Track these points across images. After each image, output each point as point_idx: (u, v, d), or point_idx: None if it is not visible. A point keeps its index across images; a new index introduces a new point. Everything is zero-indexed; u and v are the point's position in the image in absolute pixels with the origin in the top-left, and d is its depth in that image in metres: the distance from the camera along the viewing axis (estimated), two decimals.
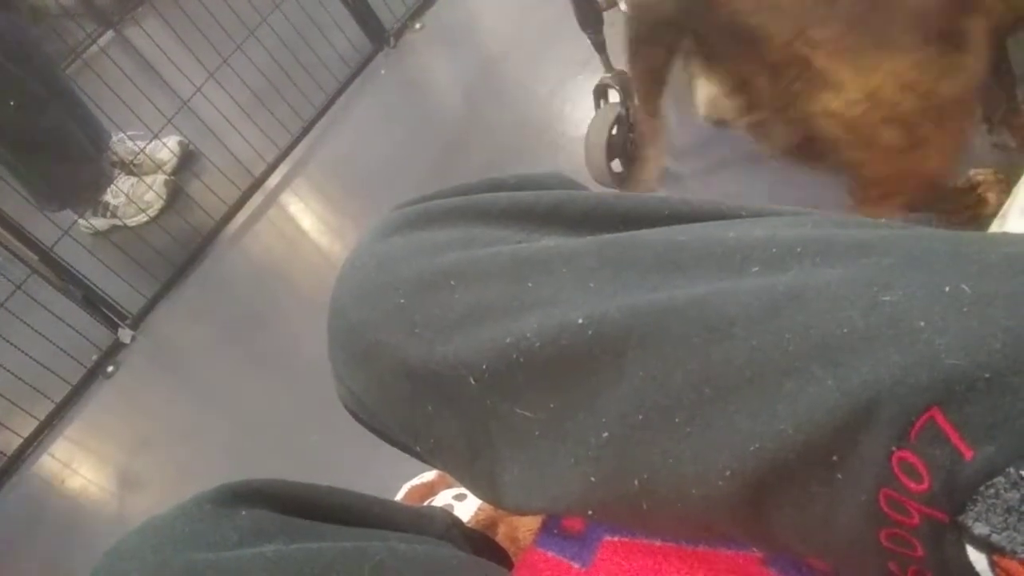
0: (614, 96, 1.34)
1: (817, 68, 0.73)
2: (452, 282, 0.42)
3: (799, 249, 0.36)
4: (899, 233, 0.36)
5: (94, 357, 1.88)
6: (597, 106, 1.38)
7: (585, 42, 1.74)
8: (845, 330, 0.31)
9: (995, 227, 0.50)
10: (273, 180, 2.07)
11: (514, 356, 0.39)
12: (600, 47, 1.33)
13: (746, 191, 1.34)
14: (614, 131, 1.35)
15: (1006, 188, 1.08)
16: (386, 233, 0.46)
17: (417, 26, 2.21)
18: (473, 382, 0.40)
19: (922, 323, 0.30)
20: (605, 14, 1.32)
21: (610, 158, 1.36)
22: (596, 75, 1.65)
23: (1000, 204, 1.07)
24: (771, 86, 0.78)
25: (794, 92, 0.77)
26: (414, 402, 0.44)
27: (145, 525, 0.40)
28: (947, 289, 0.31)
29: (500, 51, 2.00)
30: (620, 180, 1.39)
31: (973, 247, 0.33)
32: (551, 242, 0.43)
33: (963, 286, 0.30)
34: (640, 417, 0.36)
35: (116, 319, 1.90)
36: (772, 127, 0.83)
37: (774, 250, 0.37)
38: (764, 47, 0.76)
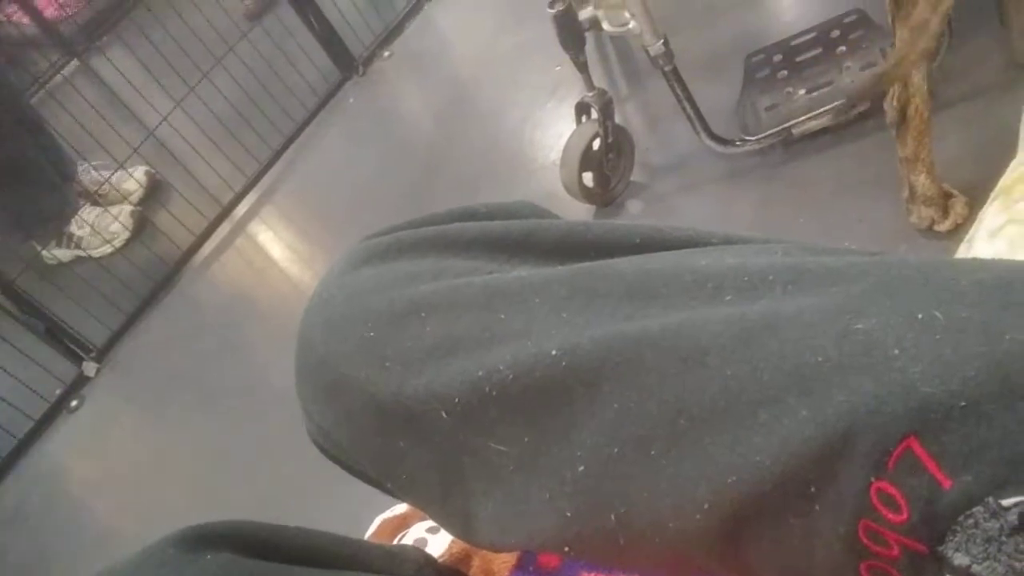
0: (595, 114, 1.37)
1: None
2: (423, 314, 0.41)
3: (771, 277, 0.36)
4: (869, 260, 0.36)
5: (58, 391, 1.84)
6: (578, 121, 1.41)
7: (554, 69, 1.76)
8: (819, 359, 0.31)
9: (962, 252, 0.51)
10: (241, 209, 2.06)
11: (486, 389, 0.38)
12: (582, 67, 1.36)
13: (725, 210, 1.35)
14: (594, 147, 1.39)
15: (970, 212, 1.10)
16: (355, 264, 0.46)
17: (386, 54, 2.22)
18: (445, 416, 0.40)
19: (896, 351, 0.30)
20: (587, 35, 1.35)
21: (582, 170, 1.39)
22: (566, 102, 1.67)
23: (958, 224, 1.09)
24: None
25: None
26: (384, 437, 0.43)
27: (109, 571, 0.39)
28: (920, 316, 0.30)
29: (470, 78, 2.01)
30: (588, 194, 1.42)
31: (944, 273, 0.33)
32: (523, 272, 0.42)
33: (936, 313, 0.30)
34: (615, 450, 0.35)
35: (80, 352, 1.86)
36: None
37: (746, 278, 0.36)
38: None
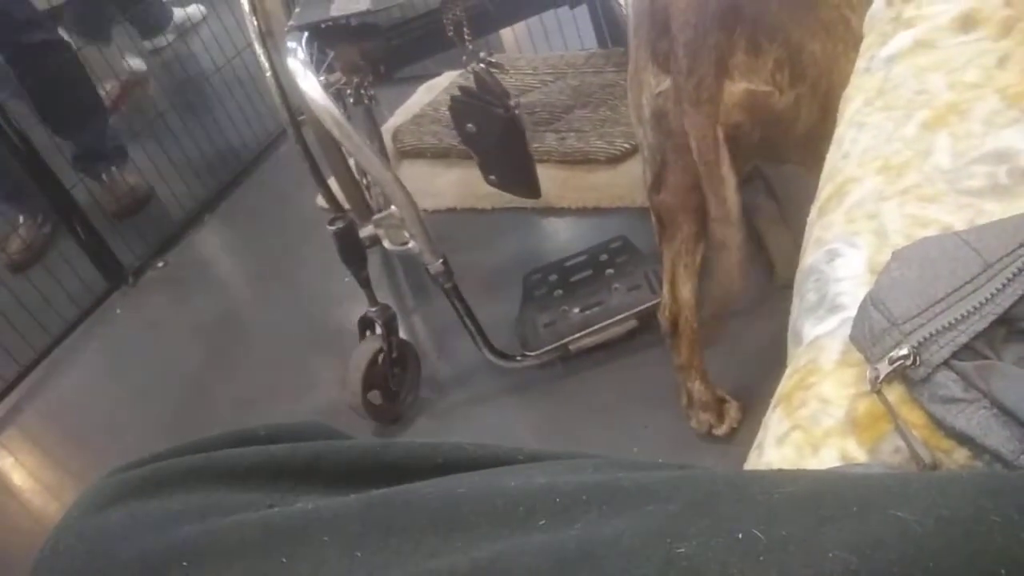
0: (379, 329, 1.36)
1: (854, 28, 0.82)
2: (184, 563, 0.34)
3: (584, 497, 0.35)
4: (680, 475, 0.35)
5: None
6: (362, 336, 1.39)
7: (341, 282, 1.75)
8: None
9: (752, 459, 0.52)
10: None
11: None
12: (364, 282, 1.36)
13: (513, 423, 1.35)
14: (378, 362, 1.37)
15: (743, 416, 1.17)
16: (100, 504, 0.38)
17: (160, 264, 2.11)
18: None
19: None
20: (368, 251, 1.36)
21: (367, 389, 1.35)
22: (351, 314, 1.65)
23: (733, 428, 1.16)
24: (823, 49, 0.90)
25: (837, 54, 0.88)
26: None
27: None
28: (740, 536, 0.30)
29: (250, 291, 1.95)
30: (374, 411, 1.38)
31: (754, 488, 0.33)
32: (309, 504, 0.37)
33: (755, 531, 0.30)
34: None
35: None
36: (806, 102, 0.93)
37: (558, 499, 0.35)
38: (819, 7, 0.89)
